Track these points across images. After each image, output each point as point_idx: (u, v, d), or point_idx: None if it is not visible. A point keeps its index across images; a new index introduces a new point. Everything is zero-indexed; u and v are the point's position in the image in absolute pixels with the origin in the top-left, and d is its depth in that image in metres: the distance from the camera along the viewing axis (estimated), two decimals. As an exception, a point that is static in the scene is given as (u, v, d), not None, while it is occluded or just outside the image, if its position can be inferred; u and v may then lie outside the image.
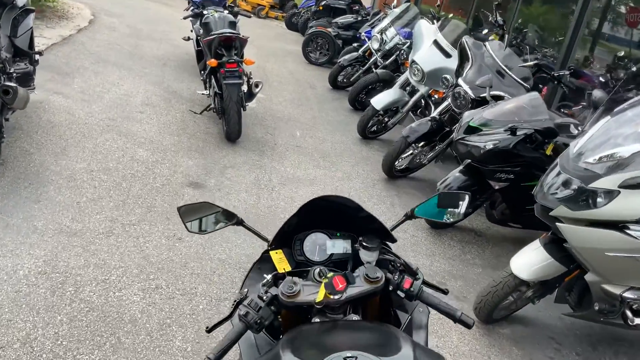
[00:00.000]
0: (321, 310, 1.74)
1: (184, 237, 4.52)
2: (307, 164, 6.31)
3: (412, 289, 1.87)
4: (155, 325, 3.58)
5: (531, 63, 6.03)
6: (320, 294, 1.67)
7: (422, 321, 2.17)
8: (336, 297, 1.64)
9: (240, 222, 2.51)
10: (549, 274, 3.88)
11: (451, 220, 2.55)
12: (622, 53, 7.86)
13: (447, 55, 6.69)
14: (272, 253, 2.28)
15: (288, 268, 2.20)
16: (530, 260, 3.99)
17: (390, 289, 1.92)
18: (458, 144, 5.02)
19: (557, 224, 3.69)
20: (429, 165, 6.32)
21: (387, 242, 2.44)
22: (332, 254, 2.39)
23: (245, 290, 1.87)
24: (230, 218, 2.52)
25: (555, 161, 4.04)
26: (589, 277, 3.67)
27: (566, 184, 3.70)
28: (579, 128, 5.10)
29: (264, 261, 2.37)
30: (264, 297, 1.69)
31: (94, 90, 6.95)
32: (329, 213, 2.33)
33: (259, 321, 1.62)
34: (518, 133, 4.73)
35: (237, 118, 5.99)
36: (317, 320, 1.71)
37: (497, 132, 4.85)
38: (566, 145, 4.89)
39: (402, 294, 1.88)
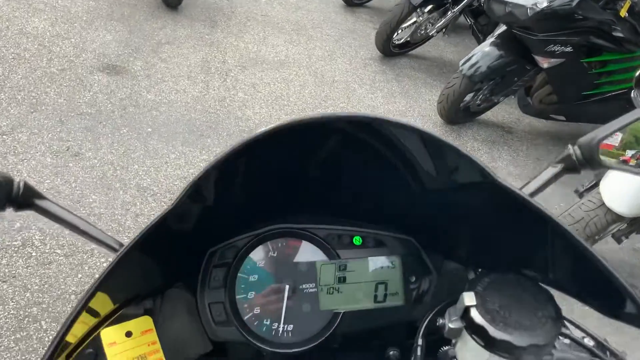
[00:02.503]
0: None
1: (84, 150, 2.62)
2: (275, 38, 4.25)
3: None
4: (11, 320, 1.83)
5: None
6: None
7: None
8: None
9: (21, 203, 0.63)
10: (665, 204, 2.23)
11: None
12: None
13: None
14: (107, 333, 0.59)
15: None
16: (633, 186, 2.27)
17: None
18: (493, 3, 3.15)
19: None
20: (434, 39, 4.34)
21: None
22: (338, 317, 0.74)
23: None
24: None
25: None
26: None
27: None
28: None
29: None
30: None
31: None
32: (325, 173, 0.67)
33: None
34: (584, -15, 2.97)
35: (177, -27, 3.84)
36: None
37: (552, -15, 3.07)
38: (647, 5, 3.11)
39: None
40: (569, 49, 3.11)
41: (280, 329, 0.71)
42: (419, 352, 0.59)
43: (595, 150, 0.74)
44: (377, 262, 0.74)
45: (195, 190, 0.52)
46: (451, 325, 0.53)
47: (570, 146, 0.76)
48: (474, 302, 0.52)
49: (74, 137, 2.72)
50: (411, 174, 0.63)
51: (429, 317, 0.62)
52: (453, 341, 0.56)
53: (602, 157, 0.77)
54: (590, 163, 0.74)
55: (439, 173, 0.60)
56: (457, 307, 0.54)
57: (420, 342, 0.60)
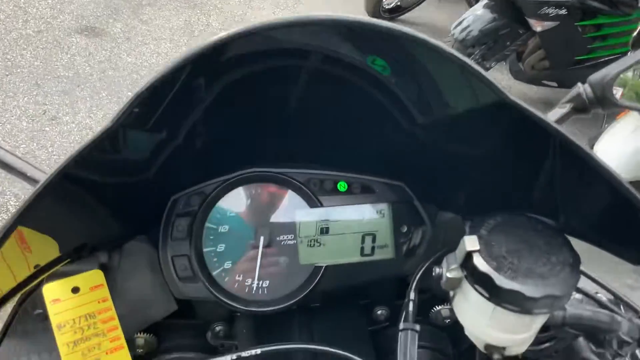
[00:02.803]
0: None
1: (61, 114, 2.49)
2: (261, 1, 4.08)
3: None
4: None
5: None
6: None
7: None
8: None
9: None
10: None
11: None
12: None
13: None
14: (50, 289, 0.52)
15: None
16: (628, 149, 2.23)
17: None
18: (486, -37, 3.02)
19: None
20: (425, 3, 4.20)
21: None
22: (319, 272, 0.64)
23: None
24: None
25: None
26: None
27: None
28: None
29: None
30: None
31: None
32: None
33: None
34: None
35: None
36: None
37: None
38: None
39: None
40: (563, 12, 2.99)
41: (255, 286, 0.62)
42: (410, 308, 0.51)
43: (609, 87, 0.66)
44: (365, 211, 0.65)
45: (142, 110, 0.43)
46: (449, 275, 0.45)
47: (580, 84, 0.68)
48: (476, 247, 0.43)
49: (51, 100, 2.58)
50: (399, 107, 0.55)
51: (424, 267, 0.54)
52: (451, 294, 0.48)
53: (616, 96, 0.69)
54: (601, 102, 0.65)
55: (432, 100, 0.51)
56: (457, 254, 0.45)
57: (412, 296, 0.52)
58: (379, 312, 0.70)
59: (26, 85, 2.61)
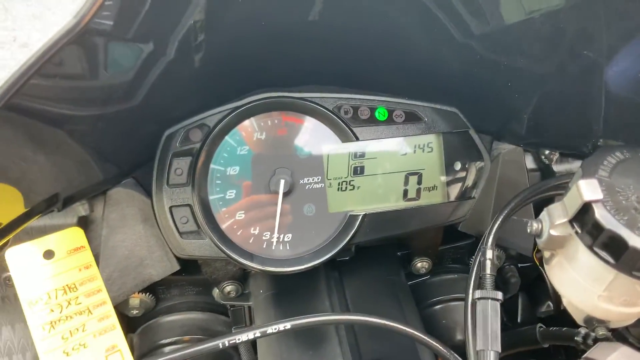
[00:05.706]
0: None
1: (33, 41, 2.26)
2: None
3: None
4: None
5: None
6: None
7: None
8: None
9: None
10: None
11: None
12: None
13: None
14: (15, 254, 0.39)
15: None
16: None
17: None
18: None
19: None
20: None
21: None
22: (355, 222, 0.53)
23: None
24: None
25: None
26: None
27: None
28: None
29: None
30: None
31: None
32: None
33: None
34: None
35: None
36: None
37: None
38: None
39: None
40: None
41: (274, 241, 0.51)
42: (488, 271, 0.39)
43: None
44: (409, 145, 0.52)
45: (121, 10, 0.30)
46: (554, 232, 0.33)
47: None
48: (598, 195, 0.31)
49: (20, 24, 2.36)
50: (452, 15, 0.41)
51: (502, 217, 0.42)
52: (546, 255, 0.37)
53: None
54: None
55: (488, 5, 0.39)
56: (567, 204, 0.33)
57: (489, 254, 0.40)
58: (419, 264, 0.59)
59: (-8, 9, 2.37)
